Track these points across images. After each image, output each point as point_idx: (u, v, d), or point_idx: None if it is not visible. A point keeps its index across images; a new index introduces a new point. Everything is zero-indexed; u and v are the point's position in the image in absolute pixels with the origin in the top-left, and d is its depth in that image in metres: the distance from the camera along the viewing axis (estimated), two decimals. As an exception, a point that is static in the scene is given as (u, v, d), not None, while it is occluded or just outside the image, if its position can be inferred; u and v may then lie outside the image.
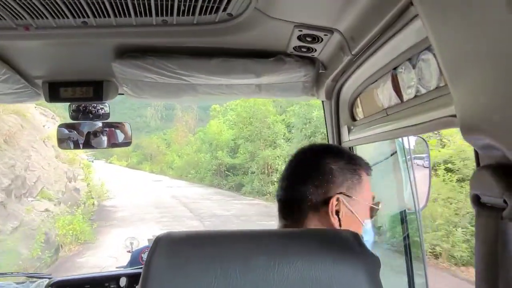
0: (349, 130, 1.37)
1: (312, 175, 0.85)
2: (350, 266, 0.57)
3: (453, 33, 0.52)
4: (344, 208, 0.83)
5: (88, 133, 1.70)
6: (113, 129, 1.74)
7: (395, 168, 1.42)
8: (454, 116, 0.68)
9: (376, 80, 1.07)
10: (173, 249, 0.59)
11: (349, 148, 1.45)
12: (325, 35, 1.01)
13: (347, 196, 0.83)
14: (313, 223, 0.83)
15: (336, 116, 1.43)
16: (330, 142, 1.53)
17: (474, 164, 0.65)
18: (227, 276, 0.56)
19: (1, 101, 1.43)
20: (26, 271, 2.70)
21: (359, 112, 1.30)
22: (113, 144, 1.78)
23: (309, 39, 1.06)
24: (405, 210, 1.39)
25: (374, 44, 0.91)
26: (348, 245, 0.60)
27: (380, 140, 1.33)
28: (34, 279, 1.79)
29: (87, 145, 1.72)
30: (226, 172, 22.87)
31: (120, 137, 1.79)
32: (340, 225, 0.82)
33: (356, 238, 0.61)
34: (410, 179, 1.33)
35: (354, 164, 0.90)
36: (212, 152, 24.71)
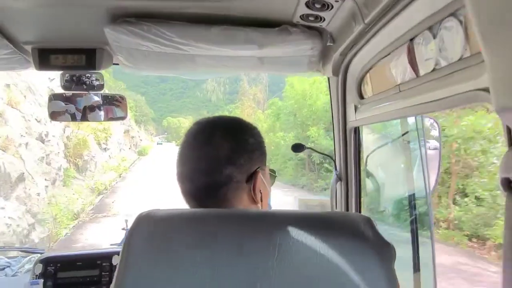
0: (356, 109, 1.30)
1: (235, 154, 0.75)
2: (362, 255, 0.51)
3: None
4: (261, 182, 0.77)
5: (85, 107, 1.62)
6: (110, 102, 1.68)
7: (404, 149, 1.34)
8: (483, 89, 0.60)
9: (389, 53, 0.98)
10: (154, 230, 0.53)
11: (355, 128, 1.38)
12: (335, 1, 0.93)
13: (262, 169, 0.78)
14: (244, 202, 0.75)
15: (343, 94, 1.35)
16: (335, 122, 1.45)
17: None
18: (217, 263, 0.49)
19: None
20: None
21: (368, 90, 1.22)
22: (110, 118, 1.71)
23: (318, 5, 0.97)
24: (414, 194, 1.32)
25: (389, 12, 0.83)
26: (359, 230, 0.53)
27: (390, 119, 1.26)
28: (26, 254, 1.76)
29: (84, 118, 1.65)
30: (322, 162, 14.55)
31: (117, 110, 1.72)
32: (261, 200, 0.77)
33: (368, 222, 0.54)
34: (422, 160, 1.26)
35: (260, 135, 0.82)
36: (297, 128, 17.16)
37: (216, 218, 0.56)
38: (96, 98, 1.62)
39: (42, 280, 1.38)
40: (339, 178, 1.49)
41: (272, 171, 0.88)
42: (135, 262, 0.50)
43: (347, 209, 1.48)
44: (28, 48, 1.31)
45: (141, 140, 43.32)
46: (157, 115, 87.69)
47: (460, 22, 0.68)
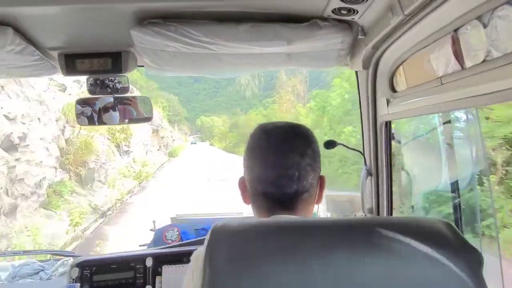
0: (388, 102, 1.26)
1: (313, 161, 0.80)
2: (450, 263, 0.48)
3: None
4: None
5: (99, 109, 1.62)
6: (128, 104, 1.66)
7: (443, 142, 1.30)
8: None
9: (429, 44, 0.94)
10: (234, 243, 0.51)
11: (386, 122, 1.34)
12: None
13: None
14: (311, 207, 0.83)
15: (373, 87, 1.31)
16: (364, 116, 1.42)
17: None
18: (304, 274, 0.47)
19: (16, 74, 1.36)
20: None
21: (401, 83, 1.18)
22: (129, 119, 1.69)
23: None
24: (457, 187, 1.28)
25: (433, 1, 0.79)
26: (444, 237, 0.50)
27: (429, 113, 1.22)
28: (59, 257, 1.78)
29: (100, 120, 1.64)
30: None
31: (139, 112, 1.71)
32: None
33: (451, 228, 0.51)
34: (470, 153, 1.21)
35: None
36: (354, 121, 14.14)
37: (299, 229, 0.54)
38: (111, 100, 1.62)
39: (79, 284, 1.40)
40: (369, 173, 1.46)
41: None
42: (219, 277, 0.48)
43: (378, 204, 1.45)
44: (55, 54, 1.31)
45: (173, 140, 41.75)
46: (191, 114, 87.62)
47: (518, 9, 0.64)
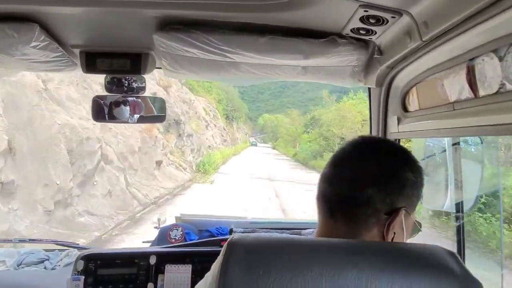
0: (399, 121, 1.28)
1: (386, 180, 0.70)
2: None
3: None
4: (400, 224, 0.69)
5: (111, 103, 1.64)
6: (139, 101, 1.69)
7: (448, 162, 1.32)
8: None
9: (444, 70, 0.96)
10: (250, 257, 0.53)
11: (396, 140, 1.36)
12: (392, 17, 0.91)
13: (407, 212, 0.70)
14: (371, 233, 0.68)
15: (385, 105, 1.33)
16: (374, 132, 1.44)
17: None
18: None
19: (37, 68, 1.39)
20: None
21: (413, 103, 1.20)
22: (140, 117, 1.72)
23: (372, 21, 0.95)
24: (460, 206, 1.29)
25: (451, 32, 0.81)
26: (446, 265, 0.52)
27: (439, 136, 1.24)
28: (64, 248, 1.82)
29: (110, 115, 1.66)
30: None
31: (151, 111, 1.74)
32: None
33: (453, 257, 0.53)
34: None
35: (422, 178, 0.75)
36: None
37: (312, 247, 0.56)
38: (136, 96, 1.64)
39: (83, 277, 1.43)
40: None
41: (419, 223, 0.80)
42: None
43: None
44: (76, 51, 1.34)
45: (224, 141, 32.87)
46: (254, 114, 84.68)
47: (534, 47, 0.66)
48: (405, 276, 0.51)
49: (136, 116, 1.70)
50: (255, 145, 56.56)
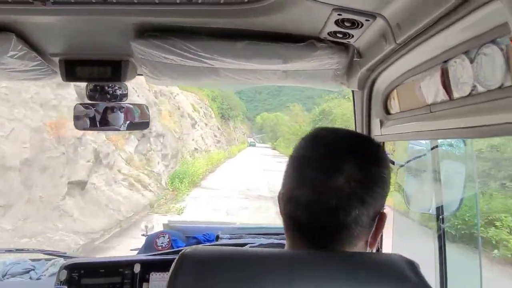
0: (382, 124, 1.27)
1: (371, 190, 0.60)
2: None
3: None
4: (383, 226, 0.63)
5: (106, 108, 1.64)
6: (131, 108, 1.69)
7: (429, 165, 1.31)
8: None
9: (420, 73, 0.96)
10: (199, 269, 0.52)
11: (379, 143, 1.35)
12: (366, 20, 0.90)
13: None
14: (356, 248, 0.61)
15: (368, 108, 1.32)
16: None
17: None
18: None
19: (17, 78, 1.38)
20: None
21: (395, 106, 1.20)
22: (129, 124, 1.72)
23: (347, 24, 0.95)
24: (441, 211, 1.28)
25: (424, 34, 0.80)
26: (404, 274, 0.51)
27: (420, 139, 1.23)
28: (51, 257, 1.80)
29: (104, 122, 1.65)
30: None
31: (138, 118, 1.74)
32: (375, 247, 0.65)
33: (412, 266, 0.52)
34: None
35: (388, 161, 0.68)
36: None
37: (262, 260, 0.54)
38: (112, 104, 1.63)
39: (66, 287, 1.41)
40: None
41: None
42: None
43: None
44: (56, 59, 1.33)
45: (218, 142, 28.28)
46: (252, 114, 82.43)
47: (501, 49, 0.65)
48: (360, 286, 0.50)
49: (127, 123, 1.70)
50: (254, 145, 52.25)
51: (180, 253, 0.55)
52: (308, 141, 0.65)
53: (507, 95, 0.65)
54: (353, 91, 1.43)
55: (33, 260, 1.78)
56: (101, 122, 1.64)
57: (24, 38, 1.15)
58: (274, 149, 44.85)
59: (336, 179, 0.57)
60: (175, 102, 19.03)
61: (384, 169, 0.62)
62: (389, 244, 1.41)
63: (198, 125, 22.75)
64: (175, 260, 0.54)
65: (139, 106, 1.66)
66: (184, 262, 0.53)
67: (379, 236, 0.64)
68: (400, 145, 1.53)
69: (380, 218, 0.62)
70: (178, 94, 19.76)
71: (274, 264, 0.53)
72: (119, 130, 1.64)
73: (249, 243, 1.10)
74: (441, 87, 0.86)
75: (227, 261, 0.54)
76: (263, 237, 1.65)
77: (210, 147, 24.58)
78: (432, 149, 1.28)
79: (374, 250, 0.65)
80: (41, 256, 1.83)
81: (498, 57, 0.66)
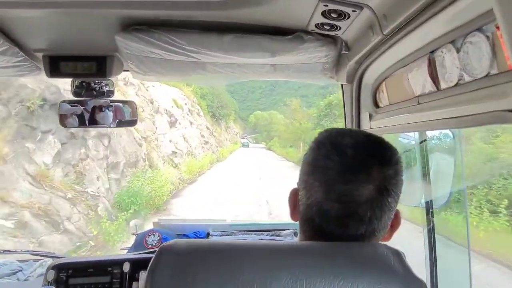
0: (371, 117, 1.26)
1: (395, 195, 0.61)
2: None
3: None
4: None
5: (94, 107, 1.61)
6: (119, 106, 1.66)
7: (421, 156, 1.31)
8: (511, 111, 0.58)
9: (408, 64, 0.95)
10: (178, 263, 0.51)
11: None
12: (353, 11, 0.89)
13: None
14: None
15: (357, 101, 1.32)
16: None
17: None
18: None
19: (0, 74, 1.35)
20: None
21: (384, 99, 1.19)
22: (119, 122, 1.70)
23: (334, 15, 0.94)
24: (430, 203, 1.28)
25: (410, 24, 0.80)
26: (389, 265, 0.50)
27: (409, 131, 1.22)
28: (39, 258, 1.77)
29: (93, 120, 1.63)
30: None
31: (127, 115, 1.71)
32: None
33: (398, 256, 0.51)
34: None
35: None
36: None
37: (241, 252, 0.54)
38: (100, 101, 1.61)
39: (53, 287, 1.39)
40: None
41: None
42: None
43: None
44: (39, 55, 1.30)
45: (205, 143, 24.39)
46: (245, 113, 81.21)
47: (487, 37, 0.64)
48: (346, 277, 0.49)
49: (116, 121, 1.68)
50: (247, 145, 50.11)
51: (159, 246, 0.54)
52: (328, 149, 0.63)
53: (494, 83, 0.64)
54: (342, 85, 1.42)
55: (20, 261, 1.75)
56: (90, 120, 1.62)
57: (5, 33, 1.12)
58: (269, 149, 42.89)
59: (365, 190, 0.58)
60: (147, 95, 15.48)
61: (401, 171, 0.63)
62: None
63: (180, 124, 19.18)
64: (155, 254, 0.53)
65: (128, 103, 1.64)
66: (163, 255, 0.52)
67: (394, 232, 0.66)
68: (391, 138, 1.52)
69: (396, 216, 0.64)
70: (153, 86, 16.63)
71: (254, 255, 0.53)
72: (115, 127, 1.61)
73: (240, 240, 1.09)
74: (428, 78, 0.85)
75: (206, 253, 0.53)
76: (254, 234, 1.64)
77: (196, 149, 20.94)
78: (420, 143, 1.28)
79: None
80: (29, 256, 1.79)
81: (484, 45, 0.65)
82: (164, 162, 14.08)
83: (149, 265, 0.52)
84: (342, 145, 0.62)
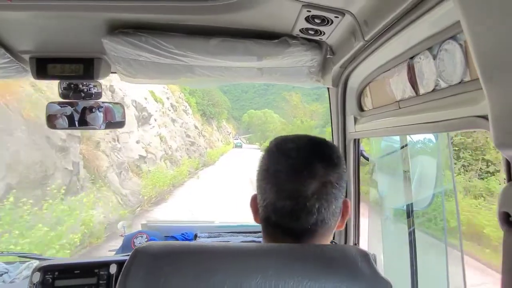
0: (356, 120, 1.29)
1: (341, 187, 0.67)
2: None
3: (492, 19, 0.43)
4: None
5: (84, 108, 1.60)
6: (110, 107, 1.66)
7: (403, 161, 1.33)
8: (482, 117, 0.60)
9: (390, 69, 0.97)
10: (151, 265, 0.52)
11: (355, 139, 1.36)
12: (335, 17, 0.91)
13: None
14: (328, 238, 0.69)
15: (343, 105, 1.34)
16: (335, 132, 1.44)
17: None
18: None
19: None
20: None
21: (368, 102, 1.21)
22: (108, 123, 1.69)
23: (317, 21, 0.96)
24: (411, 205, 1.31)
25: (390, 30, 0.82)
26: (356, 265, 0.52)
27: (391, 135, 1.24)
28: (26, 259, 1.75)
29: (83, 121, 1.62)
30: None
31: (116, 117, 1.71)
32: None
33: (365, 257, 0.53)
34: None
35: None
36: None
37: (214, 255, 0.55)
38: (89, 103, 1.60)
39: None
40: None
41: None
42: None
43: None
44: (26, 57, 1.30)
45: (191, 144, 21.73)
46: (239, 113, 80.00)
47: (460, 45, 0.67)
48: (314, 277, 0.51)
49: (106, 122, 1.67)
50: (240, 146, 47.57)
51: (134, 249, 0.54)
52: (276, 155, 0.70)
53: (466, 90, 0.66)
54: (328, 89, 1.44)
55: (6, 263, 1.74)
56: (80, 121, 1.61)
57: None
58: (262, 150, 41.88)
59: (311, 185, 0.65)
60: (106, 80, 10.30)
61: (343, 165, 0.70)
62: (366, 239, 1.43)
63: (156, 120, 15.89)
64: (129, 256, 0.54)
65: (118, 105, 1.64)
66: (137, 256, 0.53)
67: (346, 219, 0.73)
68: (376, 141, 1.55)
69: (345, 205, 0.71)
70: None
71: (225, 257, 0.54)
72: (104, 129, 1.61)
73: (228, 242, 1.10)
74: (408, 83, 0.88)
75: (179, 255, 0.54)
76: (242, 235, 1.65)
77: (178, 151, 17.69)
78: (402, 147, 1.31)
79: (343, 230, 0.69)
80: (15, 258, 1.78)
81: (458, 53, 0.67)
82: (121, 172, 10.45)
83: (123, 267, 0.52)
84: (288, 149, 0.69)
